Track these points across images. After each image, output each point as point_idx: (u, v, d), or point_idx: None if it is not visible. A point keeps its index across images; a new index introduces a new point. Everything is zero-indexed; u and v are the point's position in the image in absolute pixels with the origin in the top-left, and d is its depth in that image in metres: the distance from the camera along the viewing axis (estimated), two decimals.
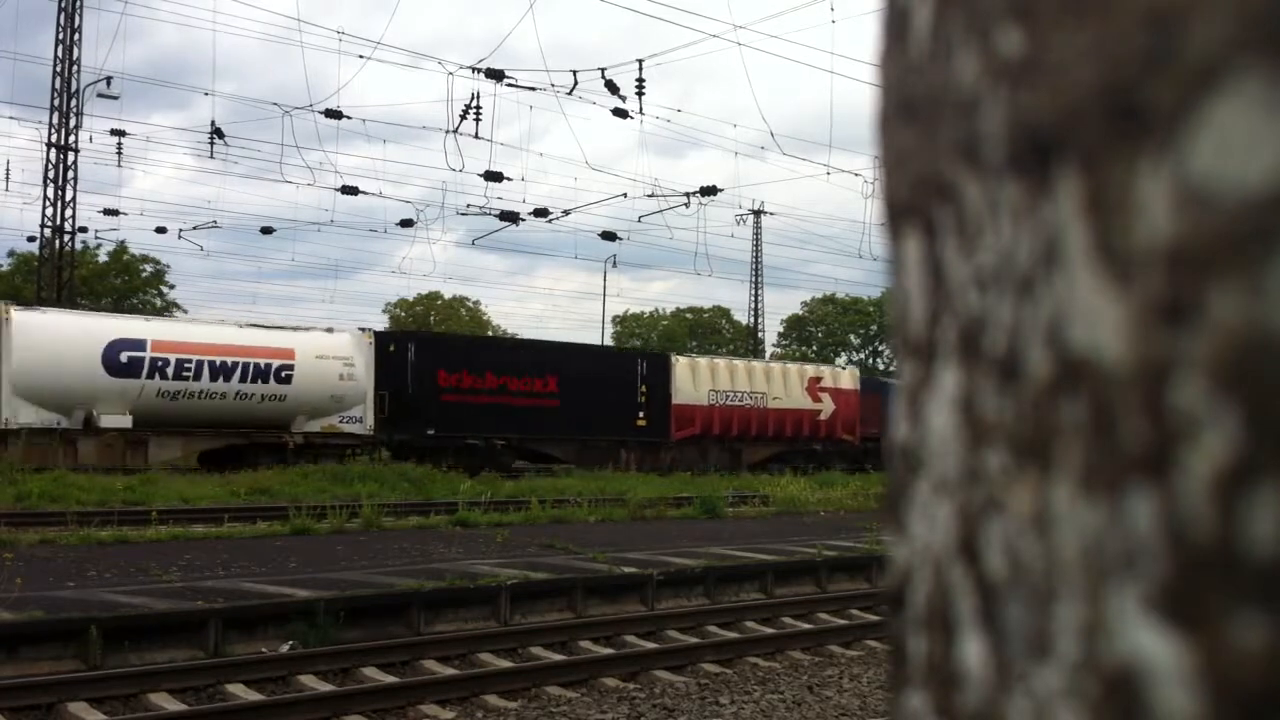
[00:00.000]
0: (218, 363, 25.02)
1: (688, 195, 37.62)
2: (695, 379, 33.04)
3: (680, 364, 33.15)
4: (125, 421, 23.80)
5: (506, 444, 29.18)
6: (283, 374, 25.86)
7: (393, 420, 27.56)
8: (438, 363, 28.17)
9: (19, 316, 23.08)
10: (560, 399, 29.80)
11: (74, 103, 34.18)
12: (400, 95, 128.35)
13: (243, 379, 25.33)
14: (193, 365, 24.65)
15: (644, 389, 31.90)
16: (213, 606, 9.91)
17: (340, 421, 27.05)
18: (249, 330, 26.51)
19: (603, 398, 30.42)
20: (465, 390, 28.35)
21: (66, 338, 23.24)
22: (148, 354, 24.10)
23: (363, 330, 28.80)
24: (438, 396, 27.90)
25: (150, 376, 24.08)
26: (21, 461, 21.60)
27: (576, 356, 31.88)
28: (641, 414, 31.82)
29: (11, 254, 54.56)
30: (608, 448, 31.03)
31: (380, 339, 28.57)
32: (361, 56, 49.96)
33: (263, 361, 25.63)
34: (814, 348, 77.56)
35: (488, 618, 11.45)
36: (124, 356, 23.79)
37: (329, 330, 28.26)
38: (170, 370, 24.35)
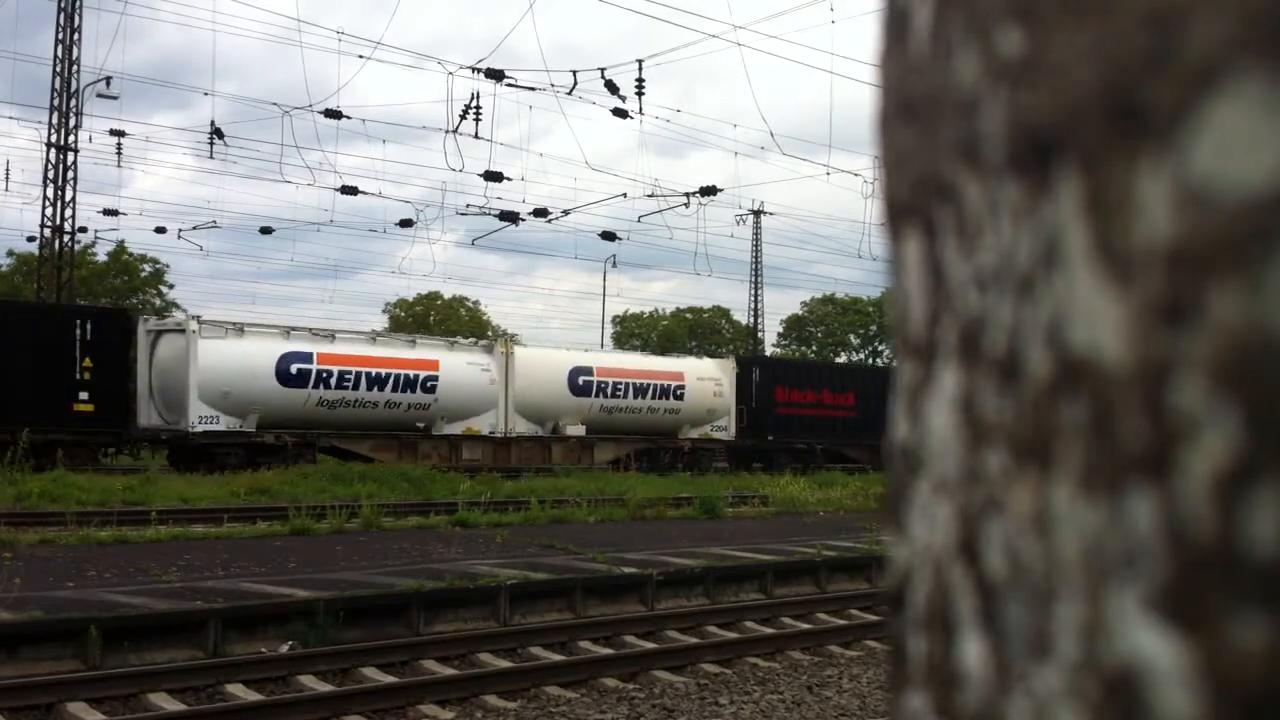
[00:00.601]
0: (637, 384, 32.71)
1: (688, 195, 37.67)
2: None
3: None
4: (581, 430, 31.43)
5: (822, 447, 35.27)
6: (677, 392, 33.42)
7: (747, 428, 34.25)
8: (775, 381, 35.07)
9: (519, 352, 30.84)
10: (857, 410, 36.12)
11: (74, 103, 34.14)
12: (400, 95, 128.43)
13: (653, 397, 33.00)
14: (623, 386, 32.40)
15: None
16: (212, 606, 9.90)
17: (711, 430, 34.14)
18: (652, 358, 35.79)
19: (885, 409, 36.58)
20: (794, 404, 35.22)
21: (545, 367, 30.79)
22: (595, 378, 31.77)
23: (727, 357, 37.83)
24: (774, 409, 34.58)
25: (596, 395, 31.70)
26: (518, 461, 29.21)
27: (866, 375, 39.99)
28: None
29: (11, 254, 54.65)
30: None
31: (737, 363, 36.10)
32: (361, 56, 49.74)
33: (664, 383, 33.29)
34: (814, 348, 77.54)
35: (487, 618, 11.45)
36: (580, 380, 31.47)
37: (703, 358, 37.49)
38: (609, 390, 31.98)
